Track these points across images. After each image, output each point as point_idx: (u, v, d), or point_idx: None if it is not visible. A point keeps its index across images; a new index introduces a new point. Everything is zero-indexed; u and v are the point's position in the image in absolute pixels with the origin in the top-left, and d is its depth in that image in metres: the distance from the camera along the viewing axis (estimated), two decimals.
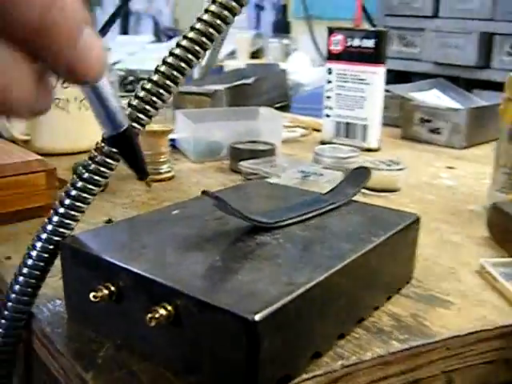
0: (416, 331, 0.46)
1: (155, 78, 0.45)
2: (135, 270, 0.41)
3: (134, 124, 0.45)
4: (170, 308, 0.38)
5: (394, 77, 1.53)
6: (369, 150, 1.08)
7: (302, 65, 1.68)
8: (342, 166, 0.87)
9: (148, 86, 0.45)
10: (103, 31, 1.03)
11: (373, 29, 1.05)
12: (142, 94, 0.45)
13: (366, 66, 1.05)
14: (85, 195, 0.45)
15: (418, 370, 0.45)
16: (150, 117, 0.46)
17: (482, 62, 1.33)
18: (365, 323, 0.47)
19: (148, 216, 0.53)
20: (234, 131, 0.99)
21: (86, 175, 0.45)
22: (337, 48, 1.08)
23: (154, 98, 0.46)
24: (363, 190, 0.82)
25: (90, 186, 0.45)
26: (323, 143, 1.11)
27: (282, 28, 2.27)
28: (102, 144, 0.44)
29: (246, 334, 0.35)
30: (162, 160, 0.88)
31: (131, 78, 1.84)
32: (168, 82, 0.45)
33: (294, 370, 0.39)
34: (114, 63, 2.20)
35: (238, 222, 0.50)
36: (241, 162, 0.86)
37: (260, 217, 0.48)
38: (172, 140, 1.04)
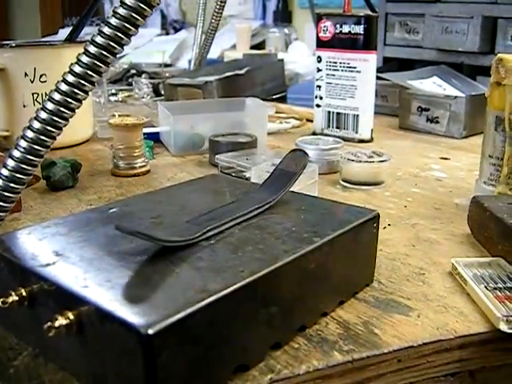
0: (363, 341, 0.42)
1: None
2: (43, 275, 0.38)
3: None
4: (71, 317, 0.35)
5: (399, 65, 1.48)
6: (361, 141, 1.03)
7: (301, 54, 1.63)
8: (323, 159, 0.82)
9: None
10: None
11: (362, 14, 0.99)
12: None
13: (356, 53, 1.00)
14: None
15: None
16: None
17: (486, 48, 1.27)
18: (308, 331, 0.42)
19: (83, 215, 0.49)
20: (217, 123, 0.94)
21: None
22: (326, 35, 1.02)
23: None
24: (344, 184, 0.77)
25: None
26: (314, 134, 1.06)
27: (282, 17, 2.21)
28: None
29: (141, 349, 0.31)
30: (135, 154, 0.84)
31: (133, 72, 1.81)
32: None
33: None
34: (120, 57, 2.17)
35: (174, 221, 0.46)
36: (217, 155, 0.82)
37: (175, 232, 0.43)
38: (156, 133, 1.00)
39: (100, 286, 0.36)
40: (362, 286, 0.49)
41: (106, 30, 0.43)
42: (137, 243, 0.42)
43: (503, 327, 0.44)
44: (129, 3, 0.43)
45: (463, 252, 0.58)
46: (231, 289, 0.35)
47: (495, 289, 0.48)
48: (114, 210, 0.49)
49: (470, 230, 0.62)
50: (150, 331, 0.30)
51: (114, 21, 0.43)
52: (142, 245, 0.41)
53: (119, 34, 0.43)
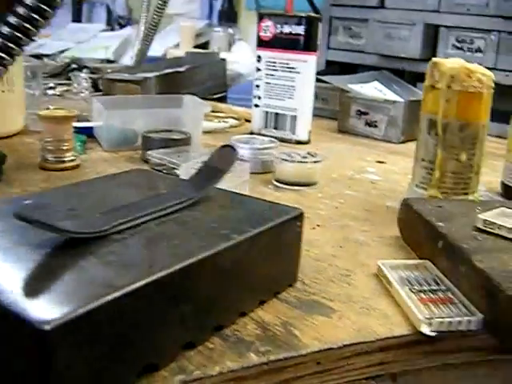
0: (281, 343, 0.40)
1: None
2: None
3: None
4: None
5: (341, 69, 1.48)
6: (299, 142, 1.02)
7: (244, 55, 1.61)
8: (257, 158, 0.81)
9: None
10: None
11: (303, 15, 0.98)
12: None
13: (296, 54, 0.99)
14: None
15: None
16: None
17: (427, 55, 1.28)
18: (225, 331, 0.41)
19: None
20: (153, 119, 0.92)
21: None
22: (266, 34, 1.01)
23: None
24: (276, 184, 0.76)
25: None
26: (252, 134, 1.05)
27: (228, 17, 2.20)
28: None
29: (36, 346, 0.29)
30: (64, 148, 0.81)
31: (74, 66, 1.77)
32: None
33: None
34: (62, 51, 2.12)
35: (90, 214, 0.44)
36: (148, 152, 0.80)
37: (85, 223, 0.41)
38: (90, 128, 0.97)
39: (1, 277, 0.33)
40: (284, 286, 0.47)
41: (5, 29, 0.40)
42: (50, 235, 0.39)
43: (425, 330, 0.43)
44: (29, 3, 0.40)
45: (391, 254, 0.57)
46: (138, 284, 0.33)
47: (420, 291, 0.48)
48: (29, 201, 0.47)
49: (400, 233, 0.61)
50: (47, 327, 0.28)
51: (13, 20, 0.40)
52: (54, 237, 0.39)
53: (18, 34, 0.41)
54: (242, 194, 0.51)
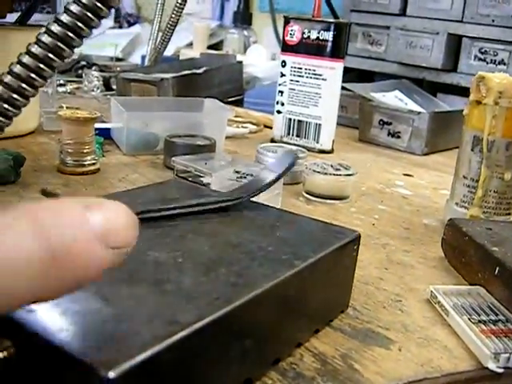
0: (344, 378, 0.37)
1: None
2: None
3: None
4: (11, 350, 0.28)
5: (358, 76, 1.45)
6: (322, 151, 0.99)
7: (260, 58, 1.58)
8: None
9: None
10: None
11: (332, 20, 0.95)
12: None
13: (323, 61, 0.96)
14: None
15: None
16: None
17: (449, 65, 1.25)
18: (282, 364, 0.38)
19: None
20: (174, 123, 0.89)
21: None
22: (292, 39, 0.98)
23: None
24: (307, 196, 0.73)
25: None
26: (273, 141, 1.01)
27: (243, 19, 2.16)
28: None
29: None
30: (85, 151, 0.77)
31: (83, 63, 1.74)
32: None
33: None
34: None
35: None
36: (174, 158, 0.76)
37: None
38: (107, 130, 0.94)
39: (49, 310, 0.30)
40: (337, 312, 0.44)
41: (55, 27, 0.37)
42: None
43: (491, 366, 0.40)
44: (84, 1, 0.37)
45: (438, 278, 0.54)
46: (206, 321, 0.29)
47: (479, 321, 0.45)
48: None
49: (444, 254, 0.58)
50: (112, 374, 0.25)
51: (65, 18, 0.37)
52: None
53: (69, 34, 0.38)
54: (289, 212, 0.48)
